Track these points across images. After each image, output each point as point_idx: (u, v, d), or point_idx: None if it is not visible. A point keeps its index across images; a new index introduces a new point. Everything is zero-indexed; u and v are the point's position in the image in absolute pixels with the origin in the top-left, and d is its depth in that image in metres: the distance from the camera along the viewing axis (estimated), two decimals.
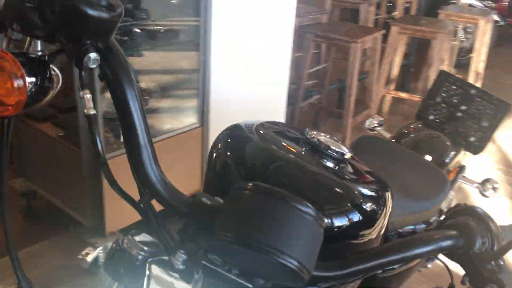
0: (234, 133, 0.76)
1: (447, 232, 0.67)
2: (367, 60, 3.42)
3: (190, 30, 2.19)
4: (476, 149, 1.78)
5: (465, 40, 5.43)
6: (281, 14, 2.52)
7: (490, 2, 5.80)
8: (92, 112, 0.60)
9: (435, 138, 1.71)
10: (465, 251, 0.66)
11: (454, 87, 1.84)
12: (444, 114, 1.85)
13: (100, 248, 2.01)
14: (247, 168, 0.70)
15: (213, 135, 2.36)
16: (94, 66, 0.59)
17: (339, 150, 0.73)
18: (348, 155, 0.73)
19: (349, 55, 2.78)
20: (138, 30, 1.98)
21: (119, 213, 2.06)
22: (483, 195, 1.66)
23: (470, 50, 5.50)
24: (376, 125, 1.84)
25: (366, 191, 0.70)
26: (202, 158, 2.37)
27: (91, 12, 0.56)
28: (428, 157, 1.58)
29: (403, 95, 3.58)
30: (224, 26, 2.18)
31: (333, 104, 3.70)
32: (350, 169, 0.75)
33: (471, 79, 3.80)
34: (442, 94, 1.86)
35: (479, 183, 1.67)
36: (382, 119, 1.88)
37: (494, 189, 1.66)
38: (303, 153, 0.73)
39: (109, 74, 0.61)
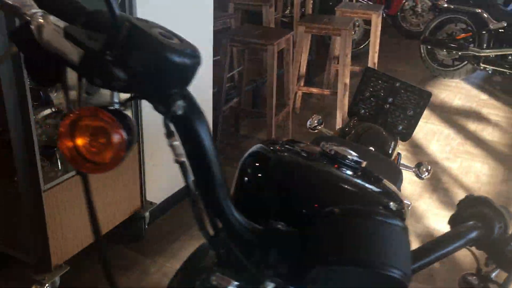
0: (260, 155, 0.78)
1: (472, 225, 0.76)
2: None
3: None
4: (404, 136, 1.96)
5: (353, 33, 5.83)
6: (200, 21, 2.53)
7: None
8: (183, 159, 0.60)
9: (374, 130, 1.85)
10: (487, 237, 0.75)
11: (380, 81, 2.01)
12: (373, 107, 2.00)
13: (48, 284, 1.89)
14: (285, 187, 0.73)
15: (148, 148, 2.32)
16: (181, 112, 0.59)
17: (357, 159, 0.79)
18: (364, 163, 0.79)
19: (267, 57, 2.87)
20: None
21: (62, 244, 1.95)
22: (420, 177, 1.84)
23: (359, 42, 5.93)
24: (316, 124, 1.95)
25: (392, 194, 0.77)
26: (140, 174, 2.32)
27: (179, 60, 0.55)
28: (372, 149, 1.71)
29: (314, 90, 3.78)
30: None
31: (249, 105, 3.79)
32: (368, 175, 0.81)
33: None
34: (370, 89, 2.01)
35: (415, 167, 1.84)
36: (320, 117, 1.99)
37: (428, 171, 1.85)
38: (327, 165, 0.78)
39: (183, 118, 0.61)
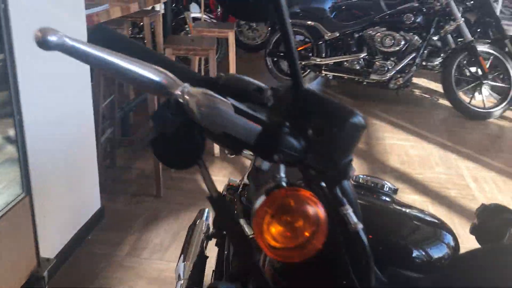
0: None
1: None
2: None
3: None
4: None
5: None
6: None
7: (208, 14, 6.45)
8: (360, 226, 0.54)
9: None
10: None
11: None
12: None
13: None
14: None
15: (37, 200, 2.03)
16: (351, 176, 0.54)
17: (392, 187, 0.82)
18: (397, 189, 0.83)
19: None
20: None
21: None
22: None
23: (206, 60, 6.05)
24: None
25: (428, 213, 0.82)
26: (34, 233, 2.02)
27: (359, 122, 0.51)
28: None
29: None
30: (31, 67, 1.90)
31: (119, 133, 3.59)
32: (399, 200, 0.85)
33: None
34: None
35: None
36: None
37: None
38: (370, 195, 0.80)
39: (347, 181, 0.56)
